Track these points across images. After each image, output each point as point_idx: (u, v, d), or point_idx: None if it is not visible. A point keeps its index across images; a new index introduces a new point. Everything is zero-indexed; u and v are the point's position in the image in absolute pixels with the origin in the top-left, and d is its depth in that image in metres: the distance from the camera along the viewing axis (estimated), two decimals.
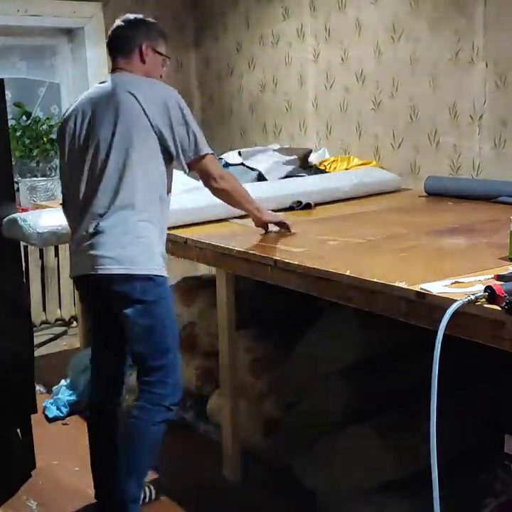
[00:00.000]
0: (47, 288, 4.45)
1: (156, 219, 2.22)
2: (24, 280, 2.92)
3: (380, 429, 2.34)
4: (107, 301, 2.22)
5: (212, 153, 2.28)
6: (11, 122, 4.15)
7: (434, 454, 1.43)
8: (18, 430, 2.86)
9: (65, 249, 4.38)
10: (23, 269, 2.90)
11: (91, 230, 2.16)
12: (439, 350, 1.45)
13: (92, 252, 2.14)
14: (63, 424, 3.27)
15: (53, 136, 4.52)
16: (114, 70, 2.30)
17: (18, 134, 4.41)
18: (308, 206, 3.00)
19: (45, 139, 4.47)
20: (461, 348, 1.85)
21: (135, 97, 2.14)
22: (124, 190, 2.16)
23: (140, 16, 2.35)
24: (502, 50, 3.05)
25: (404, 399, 2.44)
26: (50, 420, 3.28)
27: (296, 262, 2.04)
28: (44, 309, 4.46)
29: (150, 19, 2.36)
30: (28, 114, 4.50)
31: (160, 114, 2.15)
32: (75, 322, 4.49)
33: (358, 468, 2.32)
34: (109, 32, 2.32)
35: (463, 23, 3.18)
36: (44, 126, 4.50)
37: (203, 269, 4.17)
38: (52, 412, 3.30)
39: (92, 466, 2.46)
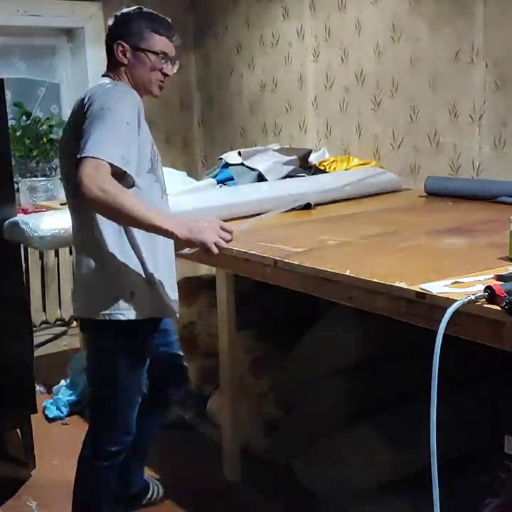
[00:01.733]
0: (47, 288, 4.45)
1: (131, 243, 1.95)
2: (24, 280, 2.92)
3: (380, 429, 2.34)
4: None
5: (96, 158, 1.72)
6: (10, 122, 4.14)
7: (434, 454, 1.43)
8: (18, 430, 2.86)
9: (65, 250, 4.38)
10: (23, 269, 2.90)
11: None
12: (439, 350, 1.45)
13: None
14: (63, 424, 3.27)
15: (53, 136, 4.53)
16: None
17: (18, 134, 4.41)
18: (308, 206, 3.00)
19: (45, 139, 4.47)
20: (460, 348, 1.85)
21: (83, 109, 1.86)
22: (84, 216, 1.95)
23: (130, 9, 2.05)
24: (502, 50, 3.05)
25: (404, 399, 2.44)
26: (50, 420, 3.28)
27: (296, 262, 2.03)
28: (44, 309, 4.46)
29: (140, 11, 2.03)
30: (28, 114, 4.50)
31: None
32: (75, 322, 4.49)
33: (358, 468, 2.32)
34: None
35: (463, 23, 3.18)
36: (44, 127, 4.49)
37: (203, 269, 4.17)
38: (53, 412, 3.31)
39: None
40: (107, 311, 1.94)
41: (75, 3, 4.32)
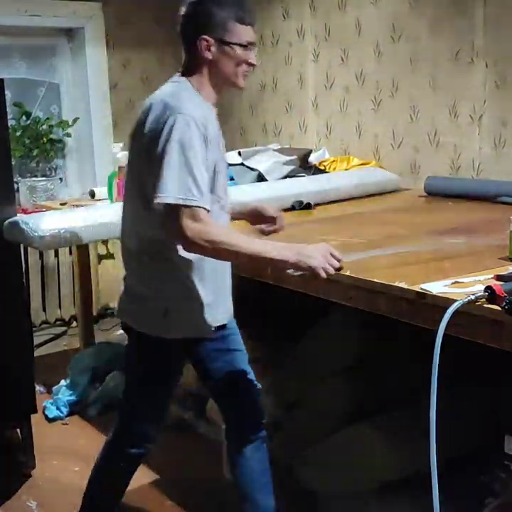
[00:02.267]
0: (47, 288, 4.45)
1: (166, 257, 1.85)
2: (24, 280, 2.92)
3: (380, 429, 2.34)
4: None
5: (190, 207, 1.67)
6: (10, 122, 4.14)
7: (434, 454, 1.43)
8: (18, 430, 2.86)
9: (65, 250, 4.38)
10: (23, 269, 2.89)
11: None
12: (439, 350, 1.45)
13: None
14: (63, 424, 3.27)
15: (53, 136, 4.53)
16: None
17: (18, 134, 4.40)
18: (308, 206, 3.00)
19: (45, 139, 4.46)
20: (460, 348, 1.85)
21: (146, 117, 1.78)
22: (146, 229, 1.86)
23: None
24: (502, 50, 3.05)
25: (404, 399, 2.44)
26: (50, 420, 3.28)
27: None
28: (44, 309, 4.46)
29: None
30: (28, 114, 4.49)
31: (153, 138, 1.75)
32: (74, 322, 4.49)
33: (358, 468, 2.32)
34: None
35: (463, 23, 3.18)
36: (44, 126, 4.49)
37: None
38: (52, 412, 3.30)
39: None
40: (141, 325, 1.92)
41: (75, 3, 4.32)
